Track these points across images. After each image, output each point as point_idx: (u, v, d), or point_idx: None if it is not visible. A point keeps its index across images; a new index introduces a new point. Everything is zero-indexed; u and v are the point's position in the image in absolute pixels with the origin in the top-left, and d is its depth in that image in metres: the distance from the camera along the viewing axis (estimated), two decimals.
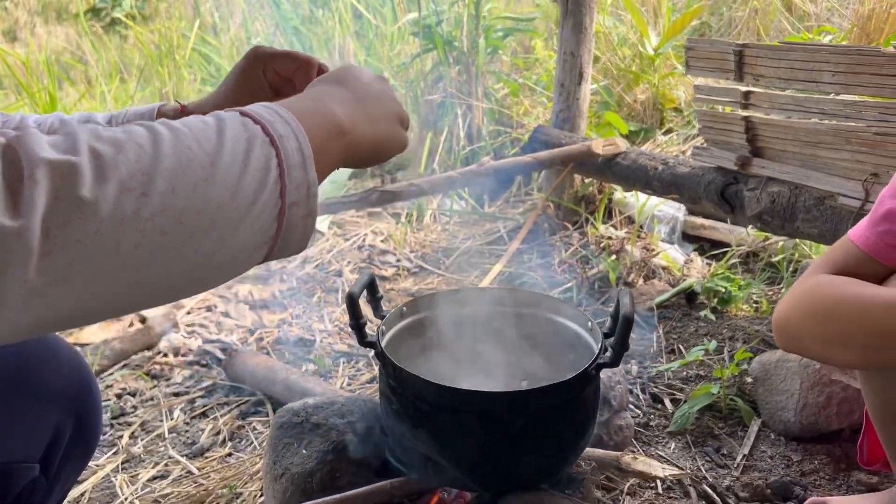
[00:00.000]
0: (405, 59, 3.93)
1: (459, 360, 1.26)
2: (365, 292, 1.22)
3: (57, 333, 1.06)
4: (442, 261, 2.78)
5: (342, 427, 1.26)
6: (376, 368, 1.98)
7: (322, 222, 3.03)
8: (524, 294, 1.35)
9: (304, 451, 1.24)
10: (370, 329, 1.22)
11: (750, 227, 2.06)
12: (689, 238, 2.56)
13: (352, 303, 1.17)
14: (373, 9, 4.42)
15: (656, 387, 1.72)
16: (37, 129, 0.51)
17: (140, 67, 4.97)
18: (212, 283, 0.58)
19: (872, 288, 0.88)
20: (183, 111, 0.91)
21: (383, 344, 1.17)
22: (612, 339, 1.12)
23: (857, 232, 0.97)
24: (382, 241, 2.99)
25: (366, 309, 1.23)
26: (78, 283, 0.48)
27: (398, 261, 2.81)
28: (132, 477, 1.58)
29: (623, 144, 2.37)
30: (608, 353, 1.11)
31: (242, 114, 0.60)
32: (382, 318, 1.25)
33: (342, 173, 3.36)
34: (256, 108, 0.61)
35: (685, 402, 1.60)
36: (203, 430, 1.73)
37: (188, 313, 2.38)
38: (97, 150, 0.49)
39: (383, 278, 2.69)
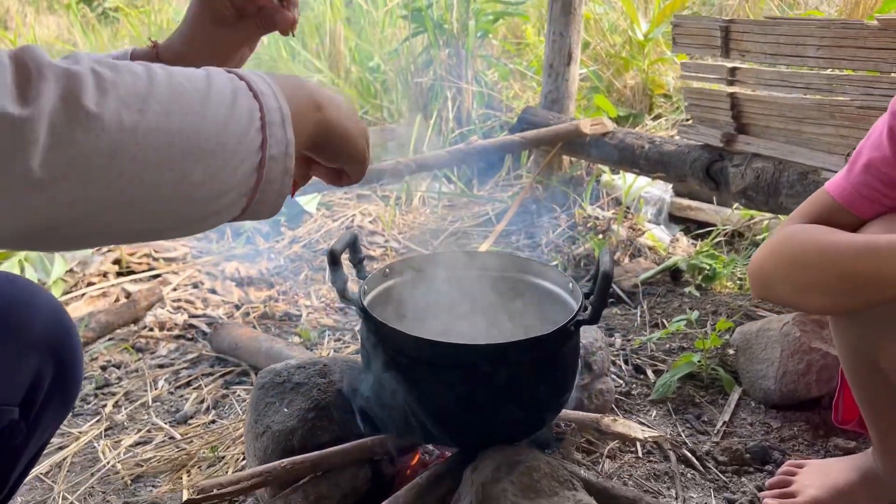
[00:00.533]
0: (396, 44, 3.93)
1: (441, 319, 1.27)
2: (348, 252, 1.22)
3: (35, 282, 1.05)
4: (430, 242, 2.78)
5: (324, 386, 1.26)
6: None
7: (310, 202, 3.03)
8: (507, 258, 1.35)
9: (285, 410, 1.24)
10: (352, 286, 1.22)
11: (735, 205, 2.07)
12: (676, 219, 2.58)
13: (333, 259, 1.17)
14: None
15: (639, 358, 1.73)
16: None
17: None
18: (196, 223, 0.61)
19: (844, 235, 0.89)
20: (155, 48, 0.91)
21: (365, 302, 1.17)
22: (591, 299, 1.12)
23: (834, 183, 0.98)
24: (371, 222, 2.98)
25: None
26: (76, 183, 0.50)
27: (386, 241, 2.81)
28: (115, 442, 1.58)
29: (610, 124, 2.38)
30: (588, 311, 1.11)
31: (228, 70, 0.63)
32: (364, 276, 1.25)
33: None
34: (239, 70, 0.64)
35: (667, 371, 1.61)
36: (187, 399, 1.73)
37: (174, 289, 2.38)
38: (97, 70, 0.52)
39: (371, 258, 2.69)
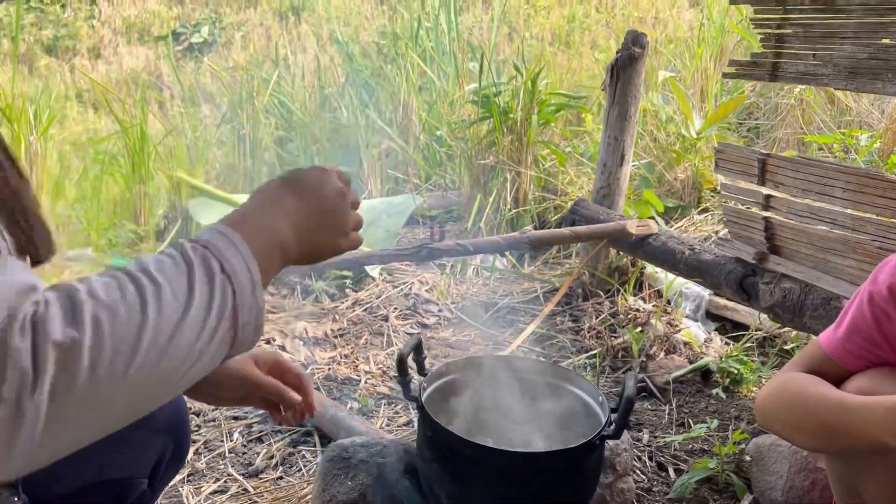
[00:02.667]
0: (462, 117, 4.22)
1: (486, 417, 1.49)
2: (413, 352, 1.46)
3: None
4: (480, 314, 3.00)
5: (382, 465, 1.49)
6: (414, 413, 2.21)
7: (374, 269, 3.29)
8: (548, 366, 1.57)
9: (349, 483, 1.47)
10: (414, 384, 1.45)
11: (766, 316, 2.24)
12: (713, 317, 2.74)
13: (401, 362, 1.40)
14: (438, 69, 4.74)
15: (663, 456, 1.91)
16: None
17: (218, 105, 5.37)
18: (171, 395, 0.72)
19: (827, 388, 1.09)
20: None
21: (423, 399, 1.40)
22: (616, 416, 1.33)
23: (825, 336, 1.17)
24: (427, 290, 3.22)
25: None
26: (72, 431, 0.62)
27: (440, 310, 3.05)
28: (196, 489, 1.83)
29: (655, 227, 2.58)
30: (612, 427, 1.32)
31: (204, 246, 0.72)
32: (425, 374, 1.48)
33: (396, 223, 3.63)
34: (213, 237, 0.74)
35: (687, 472, 1.79)
36: (258, 454, 1.98)
37: None
38: (98, 319, 0.62)
39: (425, 326, 2.92)
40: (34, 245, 0.85)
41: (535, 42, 9.13)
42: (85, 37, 11.54)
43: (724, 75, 2.23)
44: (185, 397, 1.23)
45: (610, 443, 1.60)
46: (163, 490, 1.23)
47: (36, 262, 0.86)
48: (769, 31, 2.00)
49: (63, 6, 12.29)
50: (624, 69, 2.72)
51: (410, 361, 1.47)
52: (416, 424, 2.13)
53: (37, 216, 0.86)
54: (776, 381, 1.20)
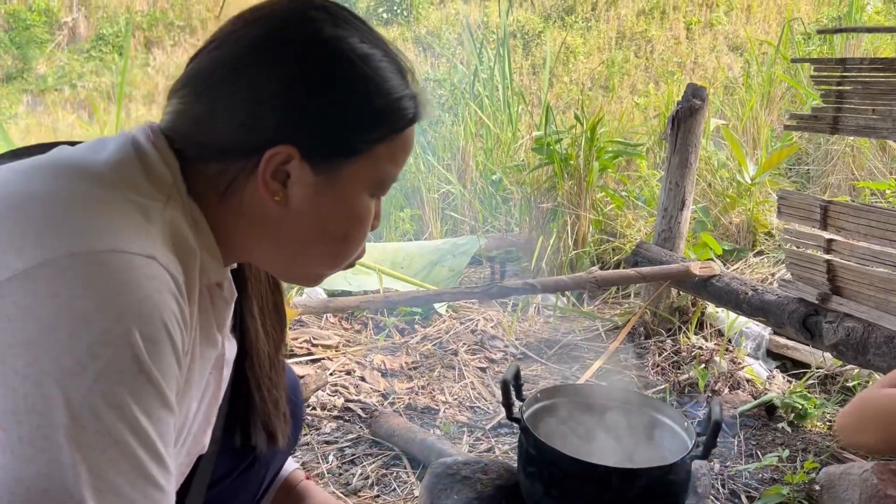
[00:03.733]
0: (518, 161, 4.43)
1: (580, 438, 1.63)
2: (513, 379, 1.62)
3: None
4: (544, 351, 3.15)
5: (485, 481, 1.64)
6: (494, 439, 2.36)
7: (441, 306, 3.46)
8: (634, 394, 1.71)
9: (455, 497, 1.62)
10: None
11: (828, 353, 2.36)
12: (774, 355, 2.85)
13: (505, 387, 1.57)
14: (492, 117, 4.98)
15: (735, 484, 2.02)
16: None
17: None
18: None
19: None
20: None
21: (526, 417, 1.55)
22: (702, 438, 1.47)
23: None
24: (492, 327, 3.38)
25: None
26: None
27: (506, 346, 3.20)
28: None
29: (717, 268, 2.72)
30: (699, 448, 1.46)
31: None
32: (523, 399, 1.64)
33: (461, 263, 3.81)
34: None
35: (759, 499, 1.90)
36: (354, 474, 2.14)
37: (331, 374, 2.83)
38: None
39: (492, 361, 3.07)
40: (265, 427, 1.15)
41: (575, 87, 9.38)
42: (140, 83, 12.12)
43: (787, 127, 2.39)
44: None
45: (692, 466, 1.74)
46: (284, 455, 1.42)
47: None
48: (829, 87, 2.16)
49: (120, 54, 12.96)
50: (684, 120, 2.90)
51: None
52: (497, 448, 2.29)
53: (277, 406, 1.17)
54: (856, 397, 1.35)
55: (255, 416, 1.16)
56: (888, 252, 2.06)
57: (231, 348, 1.04)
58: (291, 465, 1.53)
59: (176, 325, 0.74)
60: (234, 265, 1.01)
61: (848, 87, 2.11)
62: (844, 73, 2.13)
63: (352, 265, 0.97)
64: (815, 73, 2.24)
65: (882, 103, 2.00)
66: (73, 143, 0.91)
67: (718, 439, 2.29)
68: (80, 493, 0.65)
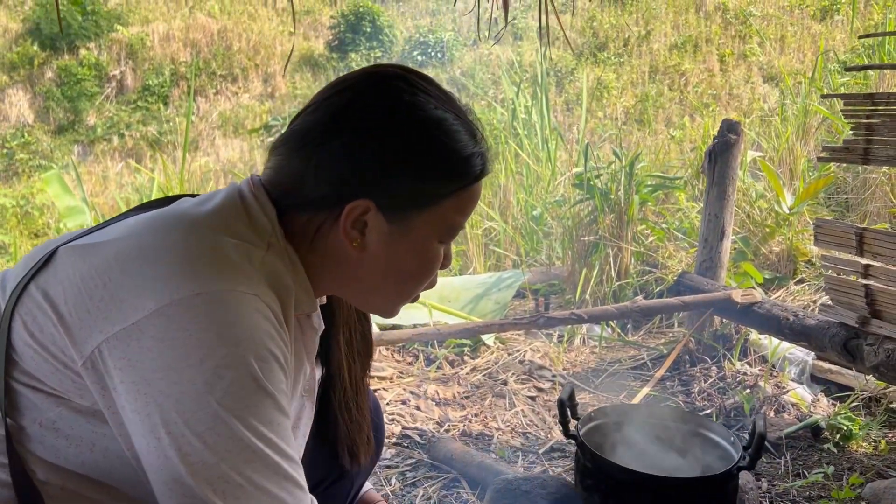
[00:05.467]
0: (558, 196, 4.58)
1: (633, 452, 1.75)
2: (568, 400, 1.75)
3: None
4: (591, 380, 3.25)
5: (544, 495, 1.76)
6: (547, 462, 2.47)
7: (488, 337, 3.60)
8: (682, 412, 1.83)
9: None
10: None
11: (870, 375, 2.43)
12: (817, 380, 2.92)
13: (562, 406, 1.70)
14: (532, 156, 5.15)
15: (782, 501, 2.10)
16: None
17: None
18: None
19: None
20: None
21: (581, 434, 1.68)
22: (748, 450, 1.58)
23: None
24: (539, 357, 3.50)
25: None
26: None
27: (553, 376, 3.31)
28: None
29: (759, 295, 2.82)
30: (746, 460, 1.57)
31: None
32: (578, 418, 1.77)
33: (506, 296, 3.95)
34: None
35: None
36: (417, 496, 2.27)
37: (388, 404, 2.97)
38: None
39: (541, 390, 3.19)
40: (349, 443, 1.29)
41: (609, 122, 9.54)
42: (184, 131, 12.59)
43: (819, 159, 2.50)
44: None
45: (740, 482, 1.83)
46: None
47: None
48: (859, 120, 2.28)
49: (165, 104, 13.51)
50: (721, 154, 3.02)
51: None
52: (550, 471, 2.40)
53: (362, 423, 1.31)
54: None
55: (340, 437, 1.30)
56: None
57: (318, 374, 1.20)
58: (367, 485, 1.65)
59: (279, 347, 0.90)
60: (324, 300, 1.16)
61: (877, 121, 2.23)
62: (873, 107, 2.25)
63: (417, 298, 1.11)
64: (845, 108, 2.36)
65: None
66: (192, 195, 1.09)
67: (766, 459, 2.38)
68: (220, 489, 0.81)
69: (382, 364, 3.33)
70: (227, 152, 12.37)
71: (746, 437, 1.55)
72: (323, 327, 1.13)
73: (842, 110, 2.42)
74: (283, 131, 1.04)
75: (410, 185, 0.97)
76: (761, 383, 2.79)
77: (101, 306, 0.85)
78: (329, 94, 1.00)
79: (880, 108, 2.23)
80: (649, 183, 3.83)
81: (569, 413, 1.79)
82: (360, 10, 13.44)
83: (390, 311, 1.12)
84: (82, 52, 13.87)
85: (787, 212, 3.70)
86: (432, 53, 13.10)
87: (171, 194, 1.15)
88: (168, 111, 13.57)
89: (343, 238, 0.98)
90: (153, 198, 1.16)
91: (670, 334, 3.57)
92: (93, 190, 9.96)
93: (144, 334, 0.83)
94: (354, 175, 0.95)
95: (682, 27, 12.70)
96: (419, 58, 13.07)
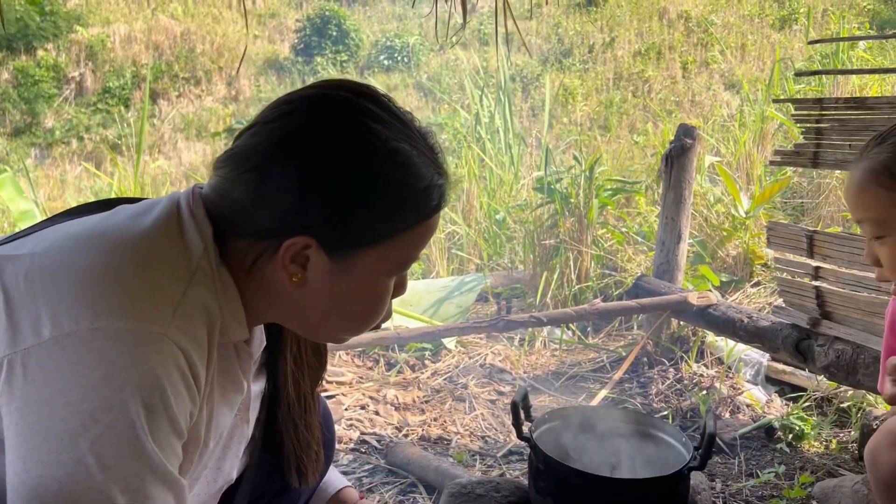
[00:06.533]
0: (520, 201, 4.59)
1: (586, 455, 1.75)
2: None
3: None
4: (552, 382, 3.26)
5: (499, 498, 1.75)
6: (505, 466, 2.46)
7: (450, 341, 3.58)
8: (635, 414, 1.83)
9: None
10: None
11: (821, 375, 2.47)
12: (772, 381, 2.96)
13: (515, 408, 1.69)
14: (496, 160, 5.16)
15: (736, 501, 2.12)
16: None
17: None
18: None
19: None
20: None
21: (535, 437, 1.67)
22: (699, 451, 1.58)
23: None
24: (500, 360, 3.50)
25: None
26: None
27: (514, 379, 3.31)
28: None
29: (714, 297, 2.85)
30: (696, 460, 1.57)
31: None
32: (532, 420, 1.76)
33: (467, 300, 3.94)
34: None
35: None
36: (373, 501, 2.24)
37: (346, 409, 2.94)
38: None
39: (501, 393, 3.18)
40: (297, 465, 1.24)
41: (574, 127, 9.62)
42: (147, 134, 12.38)
43: (771, 163, 2.54)
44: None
45: (691, 482, 1.84)
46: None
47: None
48: (809, 125, 2.32)
49: (126, 107, 13.28)
50: (677, 158, 3.06)
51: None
52: (508, 475, 2.39)
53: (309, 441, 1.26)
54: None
55: (286, 453, 1.23)
56: (871, 277, 2.19)
57: (258, 388, 1.15)
58: (342, 481, 1.56)
59: (181, 393, 0.83)
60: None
61: (826, 125, 2.27)
62: (822, 112, 2.29)
63: (377, 327, 1.04)
64: (796, 112, 2.40)
65: (857, 139, 2.15)
66: (133, 201, 1.02)
67: (720, 460, 2.41)
68: None
69: (342, 369, 3.30)
70: (189, 156, 12.18)
71: (712, 421, 1.56)
72: (263, 345, 1.08)
73: (792, 115, 2.46)
74: (227, 146, 0.97)
75: (359, 224, 0.91)
76: (717, 385, 2.82)
77: (1, 325, 0.81)
78: (275, 115, 0.93)
79: (829, 112, 2.27)
80: (609, 187, 3.86)
81: (522, 415, 1.78)
82: (326, 13, 13.37)
83: (337, 341, 1.07)
84: (40, 52, 13.56)
85: (744, 216, 3.76)
86: (399, 58, 13.08)
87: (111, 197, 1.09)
88: (129, 114, 13.32)
89: (281, 273, 0.92)
90: None
91: (629, 337, 3.59)
92: (50, 194, 9.73)
93: (32, 362, 0.79)
94: (297, 210, 0.89)
95: (646, 34, 12.87)
96: (385, 62, 13.05)
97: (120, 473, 0.77)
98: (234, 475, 1.14)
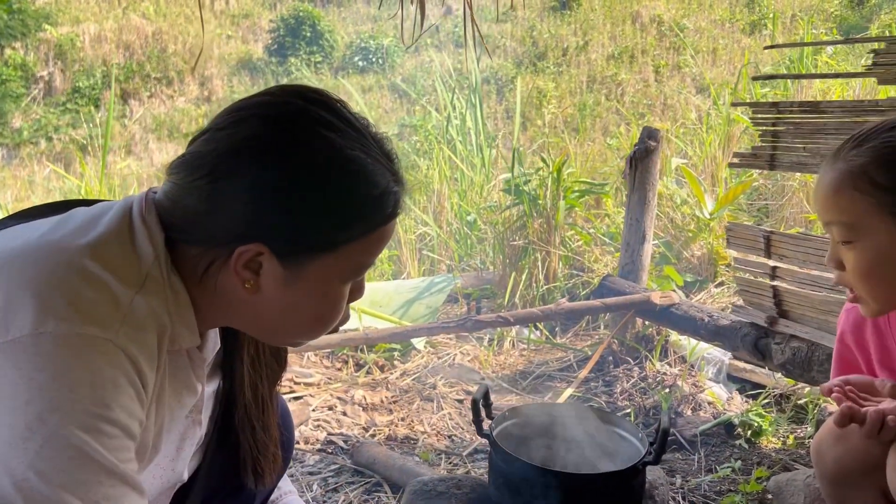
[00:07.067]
0: (491, 202, 4.63)
1: (546, 450, 1.78)
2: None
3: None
4: (519, 382, 3.29)
5: (459, 495, 1.77)
6: (470, 464, 2.49)
7: (419, 341, 3.60)
8: (595, 410, 1.86)
9: None
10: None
11: (778, 372, 2.53)
12: (733, 378, 3.01)
13: (475, 406, 1.71)
14: (465, 160, 5.19)
15: (694, 496, 2.16)
16: None
17: None
18: None
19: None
20: None
21: (494, 434, 1.70)
22: (655, 446, 1.62)
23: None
24: (469, 360, 3.52)
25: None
26: None
27: (482, 378, 3.34)
28: None
29: (677, 297, 2.90)
30: (651, 455, 1.61)
31: None
32: (492, 417, 1.78)
33: (437, 300, 3.96)
34: None
35: None
36: (337, 501, 2.25)
37: (314, 410, 2.94)
38: None
39: (469, 393, 3.20)
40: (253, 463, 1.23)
41: (548, 129, 9.70)
42: (117, 135, 12.23)
43: (730, 165, 2.60)
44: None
45: (649, 476, 1.88)
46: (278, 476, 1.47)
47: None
48: (766, 128, 2.38)
49: (97, 107, 13.12)
50: (641, 160, 3.11)
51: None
52: (472, 472, 2.41)
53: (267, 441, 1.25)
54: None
55: (242, 455, 1.23)
56: (825, 276, 2.25)
57: (211, 388, 1.14)
58: (290, 489, 1.55)
59: (130, 396, 0.84)
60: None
61: (782, 128, 2.33)
62: (778, 116, 2.35)
63: (335, 330, 1.05)
64: (754, 116, 2.45)
65: (811, 142, 2.21)
66: (88, 203, 1.02)
67: (681, 456, 2.45)
68: None
69: (311, 370, 3.30)
70: (161, 157, 12.05)
71: (666, 417, 1.59)
72: (211, 357, 1.09)
73: (750, 118, 2.52)
74: (180, 153, 0.97)
75: (311, 231, 0.92)
76: (680, 383, 2.86)
77: None
78: (227, 122, 0.93)
79: (785, 116, 2.32)
80: (576, 189, 3.91)
81: (483, 413, 1.80)
82: (301, 14, 13.33)
83: (294, 345, 1.08)
84: (8, 51, 13.35)
85: (708, 217, 3.82)
86: (373, 59, 13.08)
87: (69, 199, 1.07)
88: (99, 114, 13.14)
89: (234, 280, 0.93)
90: None
91: (596, 336, 3.64)
92: (18, 195, 9.57)
93: None
94: (249, 218, 0.90)
95: (619, 38, 13.00)
96: (360, 63, 13.04)
97: (72, 477, 0.78)
98: (186, 476, 1.14)
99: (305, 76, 11.52)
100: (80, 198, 1.06)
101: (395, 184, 0.95)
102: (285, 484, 1.53)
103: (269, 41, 13.61)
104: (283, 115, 0.92)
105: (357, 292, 1.02)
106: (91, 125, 12.46)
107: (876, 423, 1.18)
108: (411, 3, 2.32)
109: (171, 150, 12.10)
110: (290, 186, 0.89)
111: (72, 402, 0.79)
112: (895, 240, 1.18)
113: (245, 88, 13.05)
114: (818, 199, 1.28)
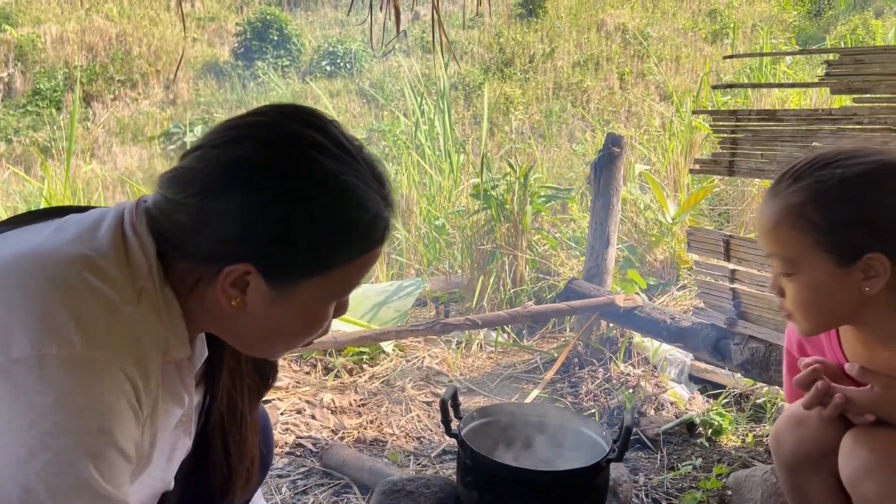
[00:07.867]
0: (459, 207, 4.67)
1: (512, 449, 1.81)
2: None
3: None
4: (487, 384, 3.33)
5: (428, 494, 1.80)
6: (439, 465, 2.52)
7: (388, 344, 3.62)
8: (561, 410, 1.91)
9: None
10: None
11: (738, 373, 2.60)
12: (695, 379, 3.09)
13: (444, 406, 1.75)
14: (434, 166, 5.23)
15: (657, 493, 2.22)
16: None
17: None
18: None
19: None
20: None
21: (463, 434, 1.73)
22: (618, 444, 1.67)
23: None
24: (437, 363, 3.55)
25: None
26: None
27: (450, 381, 3.37)
28: None
29: (640, 299, 2.97)
30: (615, 453, 1.65)
31: None
32: (461, 418, 1.82)
33: (406, 304, 3.99)
34: None
35: None
36: (307, 503, 2.26)
37: (282, 413, 2.95)
38: None
39: (437, 395, 3.23)
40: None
41: (515, 135, 9.79)
42: (80, 138, 12.03)
43: (691, 171, 2.67)
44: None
45: (613, 474, 1.93)
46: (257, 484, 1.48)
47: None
48: (725, 135, 2.45)
49: (58, 109, 12.88)
50: (605, 166, 3.17)
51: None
52: (441, 473, 2.44)
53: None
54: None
55: (211, 468, 1.23)
56: None
57: (197, 398, 1.15)
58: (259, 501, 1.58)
59: (128, 418, 0.85)
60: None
61: (740, 135, 2.40)
62: (737, 124, 2.42)
63: (311, 343, 1.07)
64: (713, 123, 2.53)
65: (768, 149, 2.29)
66: (81, 209, 1.02)
67: (644, 455, 2.51)
68: None
69: (280, 374, 3.30)
70: (125, 160, 11.87)
71: (629, 416, 1.64)
72: (199, 365, 1.09)
73: (711, 125, 2.60)
74: (173, 165, 0.97)
75: (300, 255, 0.92)
76: (643, 383, 2.93)
77: None
78: (221, 140, 0.93)
79: (743, 123, 2.40)
80: (542, 194, 3.97)
81: (451, 413, 1.83)
82: (268, 17, 13.26)
83: (273, 358, 1.11)
84: None
85: (670, 222, 3.91)
86: (341, 64, 13.06)
87: (56, 205, 1.06)
88: (61, 117, 12.90)
89: (221, 296, 0.94)
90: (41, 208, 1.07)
91: (562, 339, 3.70)
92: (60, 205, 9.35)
93: None
94: (238, 238, 0.90)
95: (585, 46, 13.17)
96: (328, 68, 13.00)
97: (69, 501, 0.78)
98: (173, 483, 1.16)
99: (272, 80, 11.46)
100: (63, 205, 1.05)
101: (385, 208, 0.96)
102: (258, 498, 1.54)
103: (236, 45, 13.51)
104: (277, 139, 0.92)
105: (340, 309, 1.04)
106: (53, 128, 12.25)
107: (839, 406, 1.27)
108: (380, 9, 2.35)
109: (136, 154, 11.94)
110: (281, 210, 0.90)
111: (75, 427, 0.79)
112: (831, 275, 1.24)
113: (211, 92, 12.94)
114: (760, 231, 1.33)
